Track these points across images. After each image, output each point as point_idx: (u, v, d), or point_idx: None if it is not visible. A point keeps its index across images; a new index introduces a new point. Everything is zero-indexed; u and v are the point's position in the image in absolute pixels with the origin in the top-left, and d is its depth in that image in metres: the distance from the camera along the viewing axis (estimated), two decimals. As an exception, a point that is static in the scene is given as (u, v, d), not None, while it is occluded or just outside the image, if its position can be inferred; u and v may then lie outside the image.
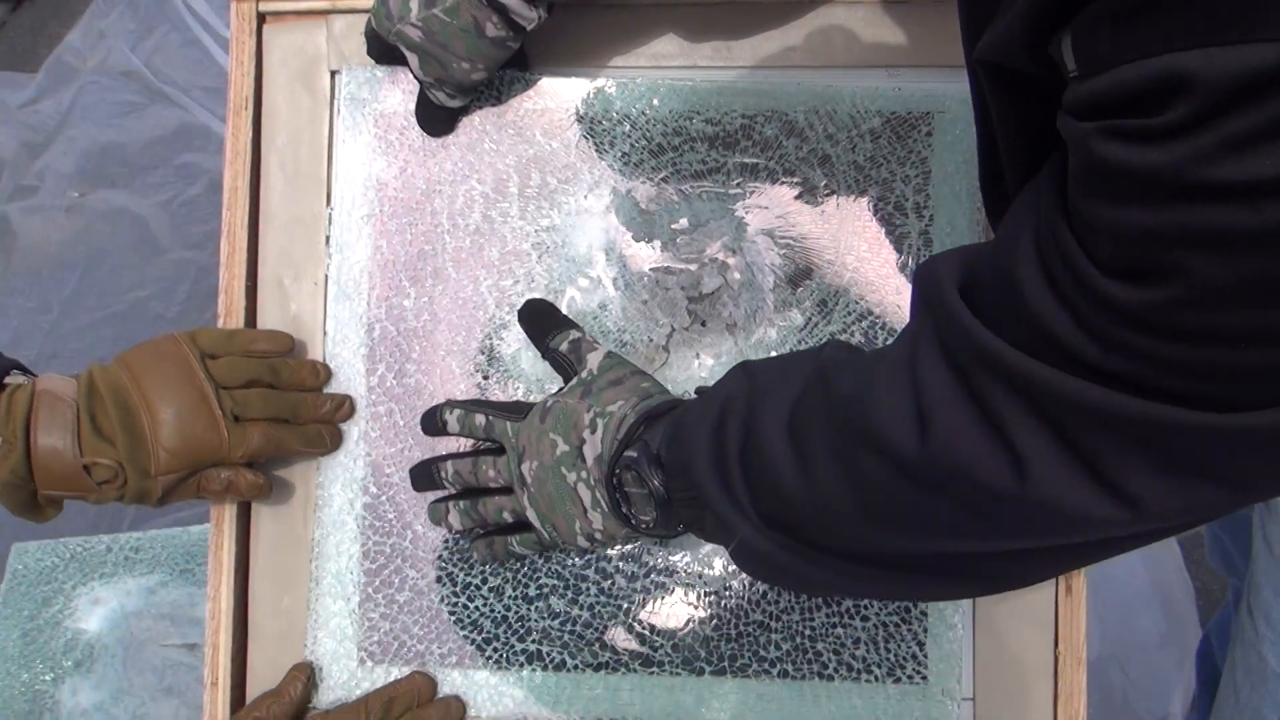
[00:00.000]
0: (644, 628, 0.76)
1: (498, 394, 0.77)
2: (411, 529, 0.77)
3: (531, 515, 0.70)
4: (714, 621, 0.76)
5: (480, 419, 0.73)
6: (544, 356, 0.76)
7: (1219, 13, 0.32)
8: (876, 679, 0.75)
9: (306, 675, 0.75)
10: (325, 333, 0.77)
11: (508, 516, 0.72)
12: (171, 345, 0.72)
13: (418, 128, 0.77)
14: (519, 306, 0.77)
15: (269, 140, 0.78)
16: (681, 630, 0.76)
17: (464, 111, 0.77)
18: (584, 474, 0.68)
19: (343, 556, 0.77)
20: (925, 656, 0.75)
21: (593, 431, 0.68)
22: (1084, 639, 0.74)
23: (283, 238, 0.78)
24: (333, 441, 0.76)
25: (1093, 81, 0.37)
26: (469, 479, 0.73)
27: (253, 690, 0.76)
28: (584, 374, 0.72)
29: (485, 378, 0.77)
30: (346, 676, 0.76)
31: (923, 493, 0.49)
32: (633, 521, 0.67)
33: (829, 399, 0.55)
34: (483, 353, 0.77)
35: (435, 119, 0.76)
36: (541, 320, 0.76)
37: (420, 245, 0.77)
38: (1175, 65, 0.33)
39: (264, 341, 0.75)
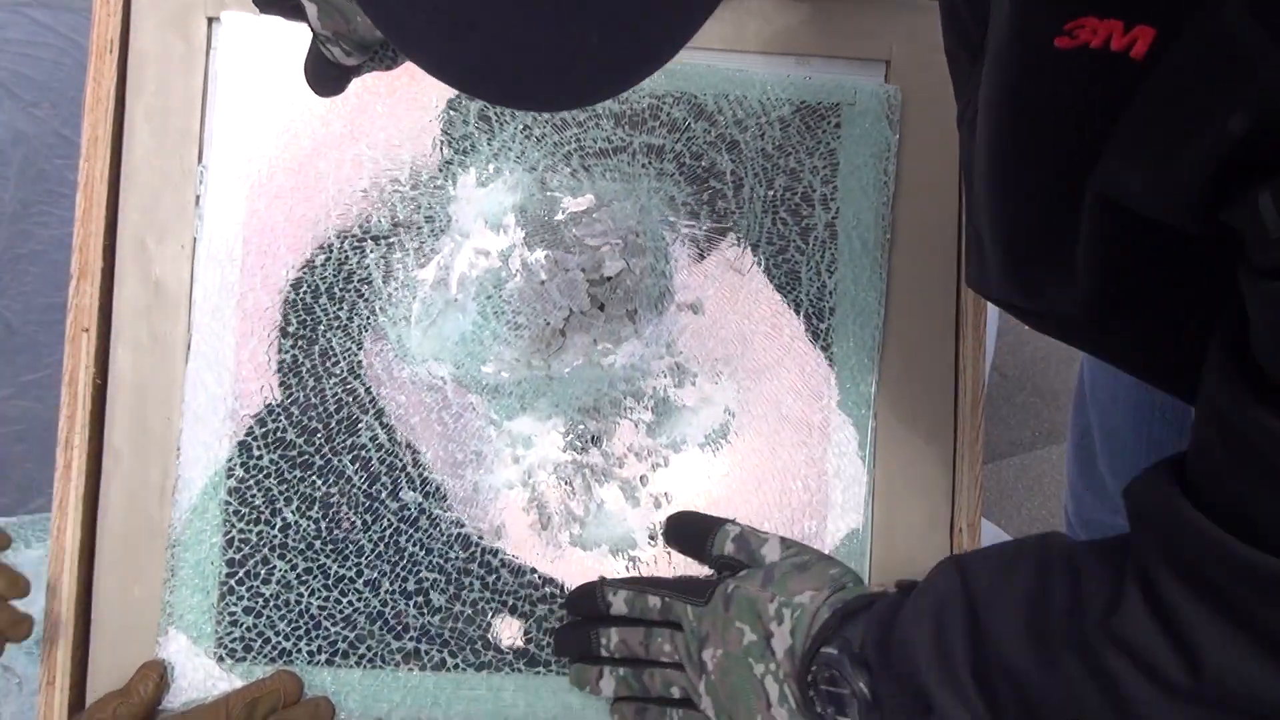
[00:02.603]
0: (529, 625, 0.72)
1: (380, 373, 0.72)
2: (281, 516, 0.71)
3: (706, 703, 0.66)
4: (603, 619, 0.72)
5: (654, 601, 0.68)
6: (709, 565, 0.72)
7: None
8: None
9: (158, 674, 0.68)
10: (192, 301, 0.71)
11: (675, 692, 0.68)
12: None
13: (304, 85, 0.72)
14: (663, 532, 0.73)
15: (135, 88, 0.71)
16: (569, 628, 0.72)
17: (356, 71, 0.72)
18: (773, 667, 0.63)
19: (203, 545, 0.70)
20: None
21: (779, 623, 0.63)
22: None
23: (147, 195, 0.71)
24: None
25: None
26: (637, 650, 0.69)
27: (95, 691, 0.69)
28: (765, 563, 0.68)
29: (366, 353, 0.72)
30: (203, 676, 0.70)
31: (1194, 712, 0.47)
32: None
33: (1074, 607, 0.52)
34: (366, 329, 0.72)
35: (326, 77, 0.71)
36: (691, 530, 0.72)
37: (302, 211, 0.72)
38: None
39: None
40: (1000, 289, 0.57)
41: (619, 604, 0.70)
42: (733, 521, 0.71)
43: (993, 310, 1.54)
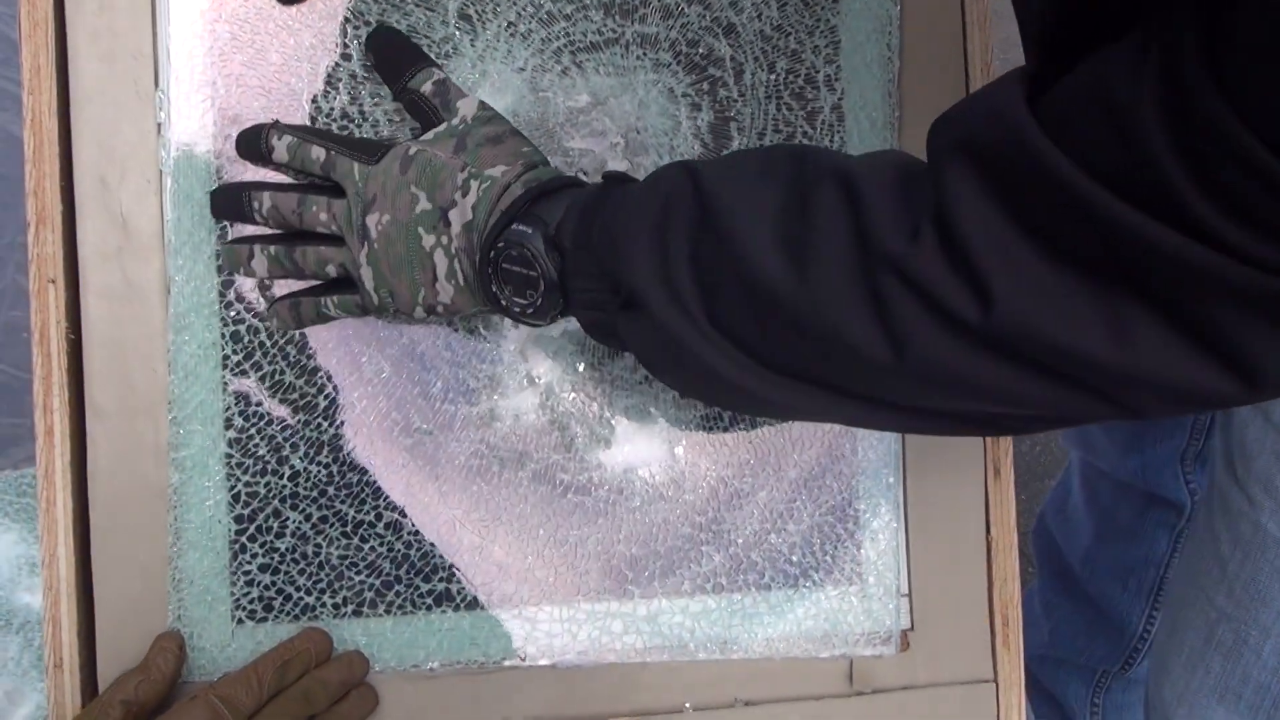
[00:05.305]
0: (566, 551, 0.68)
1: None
2: (289, 464, 0.66)
3: (366, 275, 0.60)
4: (640, 539, 0.69)
5: (318, 152, 0.61)
6: (397, 97, 0.65)
7: None
8: (815, 584, 0.70)
9: (176, 645, 0.63)
10: (167, 240, 0.65)
11: (331, 270, 0.62)
12: None
13: (264, -8, 0.65)
14: (366, 38, 0.66)
15: (75, 9, 0.64)
16: (605, 552, 0.69)
17: (320, -27, 0.66)
18: (444, 239, 0.58)
19: (208, 503, 0.65)
20: (861, 555, 0.71)
21: (464, 194, 0.58)
22: (1014, 522, 0.72)
23: (102, 127, 0.64)
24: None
25: None
26: (290, 219, 0.62)
27: (106, 672, 0.64)
28: (455, 122, 0.62)
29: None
30: (225, 642, 0.65)
31: (989, 359, 0.43)
32: (503, 303, 0.58)
33: (849, 231, 0.46)
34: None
35: (289, -21, 0.65)
36: (396, 52, 0.65)
37: (277, 133, 0.66)
38: None
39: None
40: None
41: (281, 150, 0.63)
42: (439, 66, 0.66)
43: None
